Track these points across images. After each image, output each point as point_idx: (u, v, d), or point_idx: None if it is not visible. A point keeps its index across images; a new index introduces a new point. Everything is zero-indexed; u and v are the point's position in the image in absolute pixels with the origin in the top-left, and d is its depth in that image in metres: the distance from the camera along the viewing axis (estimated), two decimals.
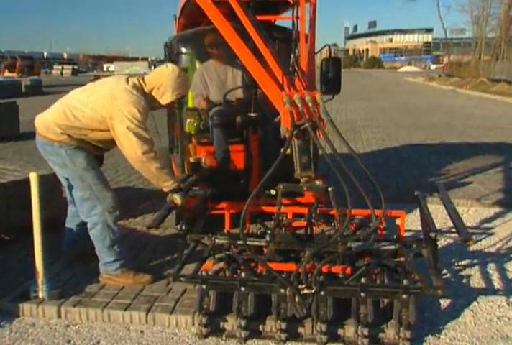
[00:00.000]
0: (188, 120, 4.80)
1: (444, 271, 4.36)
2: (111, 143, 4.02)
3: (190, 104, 5.14)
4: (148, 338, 3.58)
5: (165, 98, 4.07)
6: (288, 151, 3.38)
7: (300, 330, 3.53)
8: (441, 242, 4.70)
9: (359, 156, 3.55)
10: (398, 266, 3.76)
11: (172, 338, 3.56)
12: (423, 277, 3.66)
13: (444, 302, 4.02)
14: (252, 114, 4.94)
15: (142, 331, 3.66)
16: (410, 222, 5.49)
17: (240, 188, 4.96)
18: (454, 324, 3.77)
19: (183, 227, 3.83)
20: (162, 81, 4.04)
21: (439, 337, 3.63)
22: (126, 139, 3.81)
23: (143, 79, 4.08)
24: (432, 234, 3.64)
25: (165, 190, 4.01)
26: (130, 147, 3.82)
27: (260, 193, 4.36)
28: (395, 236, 4.07)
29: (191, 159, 5.00)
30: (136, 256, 4.68)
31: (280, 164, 3.22)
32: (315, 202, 4.16)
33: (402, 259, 3.86)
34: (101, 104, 3.90)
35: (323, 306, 3.37)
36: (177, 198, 3.99)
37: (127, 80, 4.00)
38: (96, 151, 4.15)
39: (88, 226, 4.17)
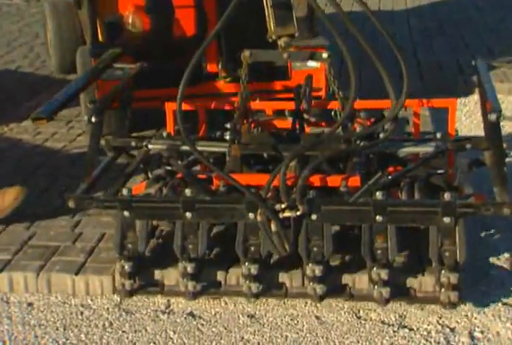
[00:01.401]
0: None
1: None
2: None
3: None
4: (40, 314, 2.87)
5: None
6: None
7: (282, 278, 2.83)
8: None
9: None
10: (439, 179, 2.97)
11: (82, 314, 2.84)
12: (483, 197, 2.86)
13: None
14: None
15: (30, 304, 2.95)
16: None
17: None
18: None
19: (93, 118, 3.05)
20: None
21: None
22: None
23: None
24: (492, 116, 2.80)
25: None
26: None
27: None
28: (437, 135, 3.23)
29: (108, 19, 4.37)
30: (24, 182, 3.76)
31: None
32: (304, 82, 3.40)
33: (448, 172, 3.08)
34: None
35: (317, 239, 2.71)
36: None
37: None
38: None
39: None
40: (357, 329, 2.61)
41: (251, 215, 2.71)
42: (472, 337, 2.58)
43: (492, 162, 2.94)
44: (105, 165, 3.15)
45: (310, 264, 2.69)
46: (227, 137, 3.11)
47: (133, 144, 3.31)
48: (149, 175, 3.29)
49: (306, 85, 3.34)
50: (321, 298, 2.71)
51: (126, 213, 2.81)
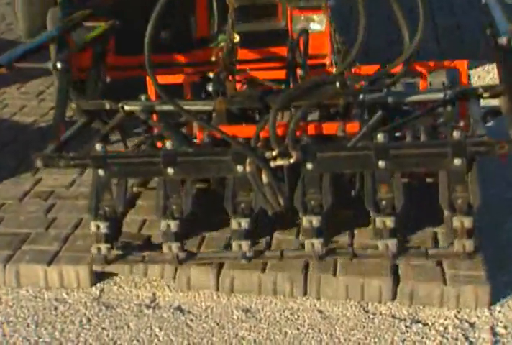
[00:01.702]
0: None
1: None
2: None
3: None
4: (9, 310, 2.73)
5: None
6: None
7: (277, 235, 2.78)
8: None
9: None
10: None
11: (56, 309, 2.68)
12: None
13: None
14: None
15: None
16: None
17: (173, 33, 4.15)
18: None
19: (58, 64, 2.96)
20: None
21: None
22: None
23: None
24: (502, 39, 2.66)
25: None
26: None
27: None
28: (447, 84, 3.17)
29: None
30: None
31: None
32: (298, 36, 3.24)
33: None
34: None
35: (314, 192, 2.62)
36: None
37: None
38: None
39: None
40: (365, 324, 2.47)
41: (239, 167, 2.61)
42: (494, 333, 2.44)
43: (508, 108, 2.77)
44: (76, 130, 3.00)
45: (307, 216, 2.60)
46: (209, 88, 3.00)
47: (107, 106, 3.16)
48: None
49: (301, 38, 3.18)
50: (320, 258, 2.60)
51: (100, 172, 2.71)
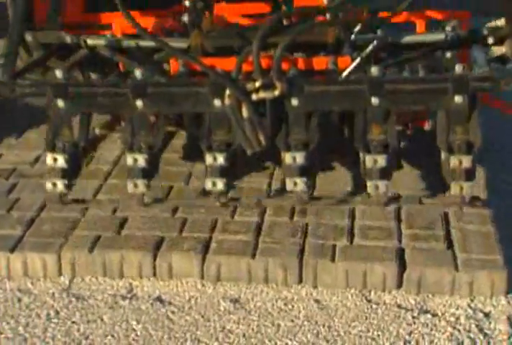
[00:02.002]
0: None
1: None
2: None
3: None
4: None
5: None
6: None
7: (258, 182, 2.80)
8: None
9: None
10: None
11: (19, 301, 2.52)
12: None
13: None
14: None
15: None
16: None
17: None
18: None
19: None
20: None
21: None
22: None
23: None
24: None
25: None
26: None
27: None
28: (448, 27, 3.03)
29: None
30: None
31: None
32: None
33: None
34: None
35: (298, 132, 2.57)
36: None
37: None
38: None
39: None
40: (367, 315, 2.33)
41: (217, 101, 2.49)
42: (511, 323, 2.31)
43: None
44: (30, 65, 2.86)
45: (290, 152, 2.54)
46: (185, 18, 2.88)
47: (68, 39, 2.99)
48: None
49: None
50: (304, 202, 2.56)
51: (60, 103, 2.57)
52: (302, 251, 2.42)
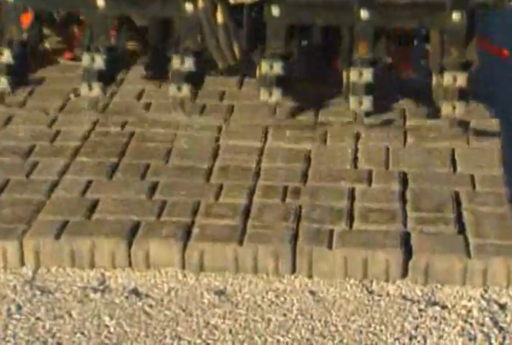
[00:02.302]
0: None
1: None
2: None
3: None
4: None
5: None
6: None
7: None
8: None
9: None
10: None
11: None
12: None
13: None
14: None
15: None
16: None
17: None
18: None
19: None
20: None
21: None
22: None
23: None
24: None
25: None
26: None
27: None
28: None
29: None
30: None
31: None
32: None
33: None
34: None
35: (277, 46, 2.47)
36: None
37: None
38: None
39: None
40: (369, 308, 2.21)
41: (188, 5, 2.38)
42: None
43: None
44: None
45: (267, 60, 2.43)
46: None
47: None
48: None
49: None
50: (277, 120, 2.47)
51: None
52: (295, 237, 2.30)
